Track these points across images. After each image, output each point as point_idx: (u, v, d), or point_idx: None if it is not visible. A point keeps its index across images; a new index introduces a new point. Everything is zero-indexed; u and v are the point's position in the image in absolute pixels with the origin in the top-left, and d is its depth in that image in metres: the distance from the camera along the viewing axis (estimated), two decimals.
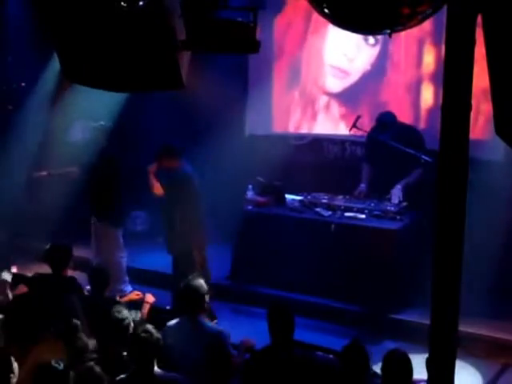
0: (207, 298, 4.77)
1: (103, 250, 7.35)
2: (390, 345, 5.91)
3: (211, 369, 4.54)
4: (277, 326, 4.32)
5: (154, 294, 5.75)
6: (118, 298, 5.56)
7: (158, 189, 6.80)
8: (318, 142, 8.47)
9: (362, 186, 7.36)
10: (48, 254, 5.84)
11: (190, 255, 6.72)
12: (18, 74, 8.50)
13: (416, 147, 6.92)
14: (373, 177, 7.39)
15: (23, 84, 8.64)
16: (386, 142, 6.90)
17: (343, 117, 8.27)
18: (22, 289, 5.52)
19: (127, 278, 7.41)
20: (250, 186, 7.52)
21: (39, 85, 8.37)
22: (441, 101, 3.02)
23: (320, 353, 4.45)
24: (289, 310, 4.42)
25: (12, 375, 3.90)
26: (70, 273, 5.94)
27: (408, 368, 4.00)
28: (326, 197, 7.32)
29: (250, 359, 4.50)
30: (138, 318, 4.76)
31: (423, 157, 6.73)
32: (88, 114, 8.78)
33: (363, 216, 6.87)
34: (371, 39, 7.94)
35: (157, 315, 5.34)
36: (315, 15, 3.56)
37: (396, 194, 6.99)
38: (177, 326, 4.73)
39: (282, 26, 8.65)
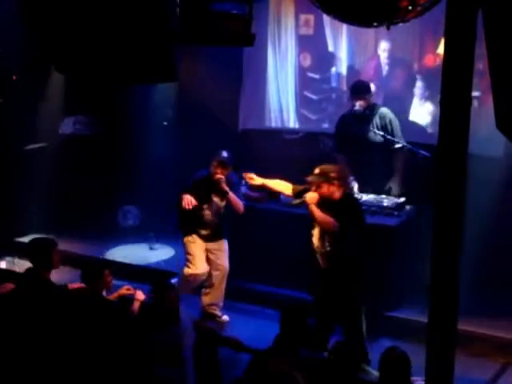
0: None
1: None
2: (387, 343, 5.86)
3: None
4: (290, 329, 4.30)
5: (144, 291, 5.64)
6: (104, 294, 5.22)
7: None
8: (313, 137, 8.38)
9: (350, 179, 7.13)
10: (28, 250, 5.25)
11: None
12: (8, 66, 8.39)
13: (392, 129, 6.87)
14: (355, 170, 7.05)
15: (14, 77, 8.54)
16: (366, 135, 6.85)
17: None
18: (8, 286, 5.08)
19: None
20: (244, 181, 7.42)
21: (30, 78, 8.27)
22: None
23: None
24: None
25: None
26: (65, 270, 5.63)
27: (406, 367, 3.94)
28: None
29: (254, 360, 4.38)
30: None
31: (421, 151, 6.64)
32: (79, 108, 8.73)
33: None
34: None
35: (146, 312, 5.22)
36: None
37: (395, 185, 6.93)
38: None
39: None
